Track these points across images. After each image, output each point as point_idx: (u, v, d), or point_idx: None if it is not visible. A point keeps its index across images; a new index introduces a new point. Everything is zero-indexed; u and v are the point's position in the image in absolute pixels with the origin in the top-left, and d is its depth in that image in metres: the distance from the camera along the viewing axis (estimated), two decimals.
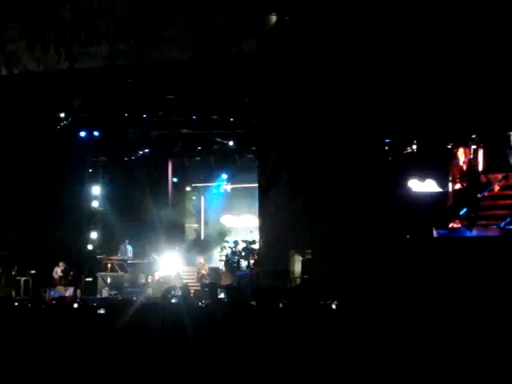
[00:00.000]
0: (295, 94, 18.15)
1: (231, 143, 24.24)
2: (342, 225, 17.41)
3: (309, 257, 18.77)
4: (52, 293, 21.51)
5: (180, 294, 13.48)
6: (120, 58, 18.33)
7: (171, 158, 25.65)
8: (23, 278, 22.47)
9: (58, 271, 22.62)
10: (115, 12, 17.77)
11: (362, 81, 16.93)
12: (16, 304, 16.55)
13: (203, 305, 13.32)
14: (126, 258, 24.27)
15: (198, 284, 22.38)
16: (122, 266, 24.02)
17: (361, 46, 16.60)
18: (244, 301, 11.65)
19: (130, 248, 24.56)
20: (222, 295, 15.26)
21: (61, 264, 22.69)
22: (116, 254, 24.39)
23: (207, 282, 22.44)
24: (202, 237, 27.02)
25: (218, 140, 24.17)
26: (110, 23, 17.97)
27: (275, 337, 8.96)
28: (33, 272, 22.59)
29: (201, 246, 25.85)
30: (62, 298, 18.24)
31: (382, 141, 18.04)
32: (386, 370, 7.98)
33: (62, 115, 21.99)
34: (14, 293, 21.78)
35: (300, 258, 19.07)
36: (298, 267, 19.10)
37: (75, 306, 12.68)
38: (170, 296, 13.25)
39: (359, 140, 17.38)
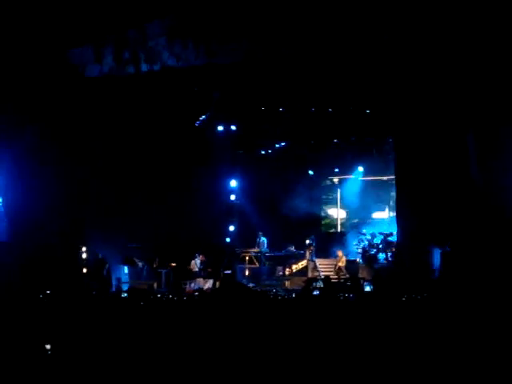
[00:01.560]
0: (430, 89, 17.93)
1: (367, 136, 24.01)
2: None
3: (448, 249, 18.40)
4: (192, 285, 21.84)
5: (322, 286, 13.37)
6: (257, 53, 18.42)
7: (307, 150, 25.59)
8: (164, 271, 22.98)
9: (197, 264, 22.99)
10: (252, 8, 17.83)
11: None
12: (158, 296, 16.84)
13: (344, 298, 13.21)
14: (263, 250, 24.40)
15: (336, 277, 22.26)
16: (260, 258, 24.19)
17: None
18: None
19: (265, 240, 24.69)
20: (367, 289, 15.11)
21: (200, 257, 23.05)
22: (253, 247, 24.56)
23: (345, 274, 22.34)
24: (339, 229, 26.88)
25: (354, 132, 23.99)
26: (247, 19, 18.08)
27: (416, 331, 8.77)
28: (173, 264, 23.04)
29: (337, 238, 25.74)
30: (203, 290, 18.50)
31: None
32: None
33: (201, 110, 22.36)
34: (155, 285, 22.27)
35: (439, 251, 18.70)
36: (437, 260, 18.72)
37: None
38: (311, 288, 13.19)
39: None
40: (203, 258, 22.95)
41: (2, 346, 8.51)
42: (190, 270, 22.91)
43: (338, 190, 27.09)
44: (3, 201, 22.05)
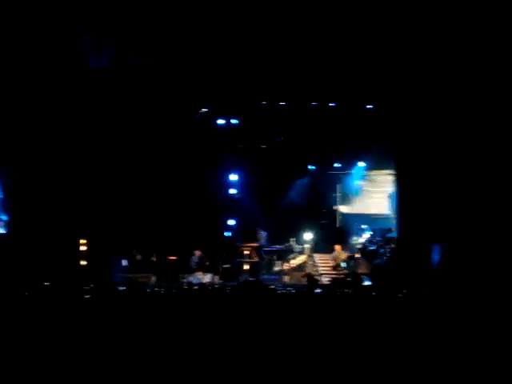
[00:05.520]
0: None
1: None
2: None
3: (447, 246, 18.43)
4: (190, 279, 21.82)
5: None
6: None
7: (308, 145, 25.48)
8: (163, 264, 22.92)
9: (194, 260, 22.93)
10: None
11: None
12: (156, 289, 16.77)
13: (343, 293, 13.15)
14: (262, 244, 24.34)
15: (334, 272, 22.24)
16: (259, 252, 24.11)
17: None
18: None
19: (265, 234, 24.64)
20: (366, 283, 15.04)
21: (197, 253, 22.97)
22: (253, 241, 24.49)
23: (344, 270, 22.31)
24: (338, 224, 26.78)
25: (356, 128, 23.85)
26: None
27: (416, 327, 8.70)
28: (172, 258, 22.99)
29: (337, 233, 25.66)
30: (202, 284, 18.43)
31: None
32: None
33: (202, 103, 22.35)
34: (154, 279, 22.23)
35: (439, 247, 18.71)
36: (436, 256, 18.73)
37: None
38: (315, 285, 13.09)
39: None
40: (199, 254, 22.88)
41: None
42: (188, 266, 22.86)
43: (339, 185, 26.94)
44: (3, 193, 22.00)
